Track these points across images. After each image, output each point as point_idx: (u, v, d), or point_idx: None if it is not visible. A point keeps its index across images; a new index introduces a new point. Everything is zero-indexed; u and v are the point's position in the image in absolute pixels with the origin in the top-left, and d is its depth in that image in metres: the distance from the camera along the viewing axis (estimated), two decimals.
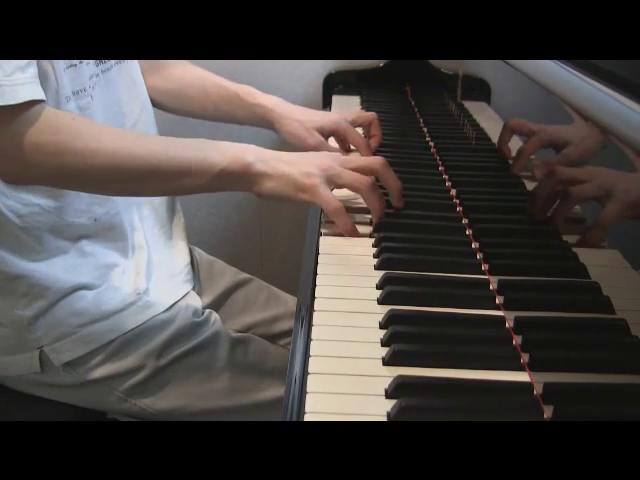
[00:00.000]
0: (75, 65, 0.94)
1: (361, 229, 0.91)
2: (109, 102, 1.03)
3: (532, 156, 1.10)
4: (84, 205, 0.98)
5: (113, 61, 1.05)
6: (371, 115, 1.22)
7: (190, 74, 1.22)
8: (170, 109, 1.22)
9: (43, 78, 0.87)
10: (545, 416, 0.59)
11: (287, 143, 1.15)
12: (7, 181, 0.89)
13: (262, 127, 1.19)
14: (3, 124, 0.80)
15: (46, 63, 0.89)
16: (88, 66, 0.98)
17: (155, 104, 1.18)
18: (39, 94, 0.82)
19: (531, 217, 0.94)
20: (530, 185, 1.05)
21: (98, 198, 0.99)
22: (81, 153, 0.83)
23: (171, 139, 0.89)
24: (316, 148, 1.12)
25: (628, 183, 0.80)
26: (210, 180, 0.87)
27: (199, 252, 1.25)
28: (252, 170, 0.87)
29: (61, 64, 0.92)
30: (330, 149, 1.12)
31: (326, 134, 1.16)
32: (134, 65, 1.11)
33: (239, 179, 0.87)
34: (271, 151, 0.90)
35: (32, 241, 0.96)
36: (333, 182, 0.89)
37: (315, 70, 1.71)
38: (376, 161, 0.93)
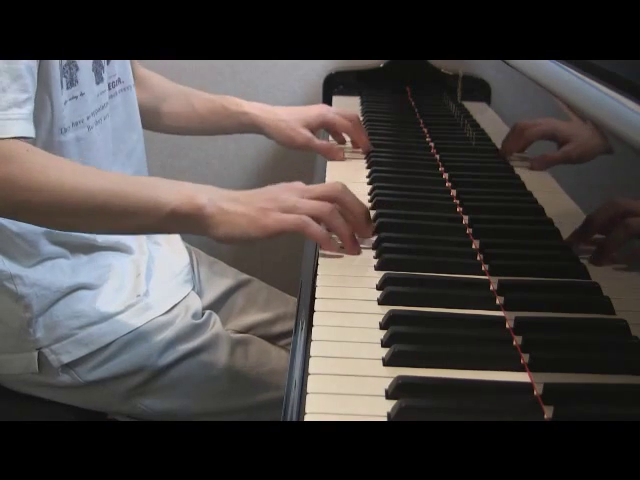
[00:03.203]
0: (77, 97, 0.94)
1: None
2: (110, 129, 1.03)
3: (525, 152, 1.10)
4: None
5: (118, 88, 1.05)
6: (354, 114, 1.22)
7: (170, 87, 1.24)
8: (156, 125, 1.22)
9: (39, 110, 0.87)
10: (545, 416, 0.59)
11: (278, 145, 1.17)
12: None
13: (251, 133, 1.22)
14: None
15: (44, 95, 0.89)
16: (99, 96, 0.99)
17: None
18: (29, 132, 0.83)
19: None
20: (528, 186, 1.05)
21: None
22: (27, 186, 0.80)
23: (125, 176, 0.87)
24: (306, 145, 1.16)
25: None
26: (160, 220, 0.83)
27: (199, 253, 1.25)
28: (203, 213, 0.82)
29: (63, 96, 0.92)
30: (318, 144, 1.13)
31: (314, 127, 1.19)
32: (134, 92, 1.11)
33: (190, 221, 0.83)
34: (229, 192, 0.85)
35: (27, 246, 0.96)
36: (290, 213, 0.84)
37: (315, 70, 1.71)
38: (335, 188, 0.86)
